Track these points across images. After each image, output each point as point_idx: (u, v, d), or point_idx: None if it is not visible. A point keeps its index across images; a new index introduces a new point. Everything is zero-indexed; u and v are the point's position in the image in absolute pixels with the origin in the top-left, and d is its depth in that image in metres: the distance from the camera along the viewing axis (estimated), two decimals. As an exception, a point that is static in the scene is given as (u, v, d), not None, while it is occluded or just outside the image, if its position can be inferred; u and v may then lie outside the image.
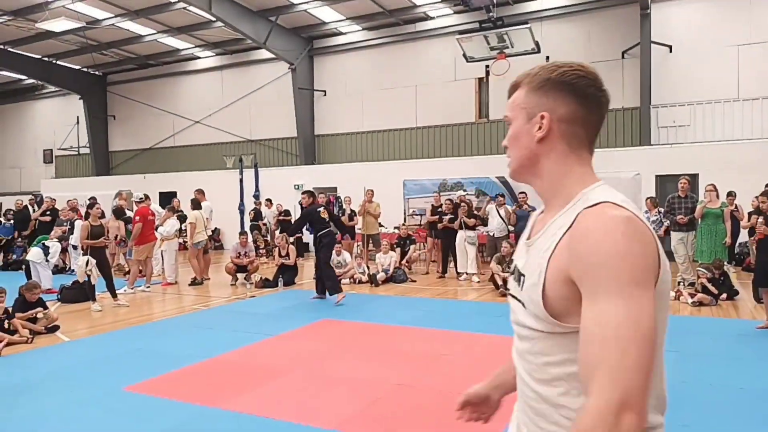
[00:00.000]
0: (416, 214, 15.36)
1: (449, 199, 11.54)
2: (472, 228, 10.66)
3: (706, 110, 13.48)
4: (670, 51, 13.64)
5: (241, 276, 10.39)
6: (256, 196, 17.55)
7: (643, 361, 0.96)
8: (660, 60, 13.65)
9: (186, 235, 10.92)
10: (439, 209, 11.28)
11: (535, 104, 1.21)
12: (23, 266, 10.53)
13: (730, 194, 9.97)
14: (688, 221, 8.70)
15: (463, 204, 11.04)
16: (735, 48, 13.12)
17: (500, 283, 9.06)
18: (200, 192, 11.45)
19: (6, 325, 6.22)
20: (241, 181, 17.60)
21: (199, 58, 20.09)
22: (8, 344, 5.96)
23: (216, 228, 17.65)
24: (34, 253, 9.97)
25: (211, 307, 8.38)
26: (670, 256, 9.85)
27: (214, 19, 15.26)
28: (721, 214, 8.48)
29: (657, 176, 12.93)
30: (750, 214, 8.92)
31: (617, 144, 14.16)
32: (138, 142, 21.84)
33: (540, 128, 1.19)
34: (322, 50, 18.08)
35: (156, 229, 10.25)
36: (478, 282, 10.22)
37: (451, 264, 11.15)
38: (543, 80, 1.21)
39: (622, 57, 14.15)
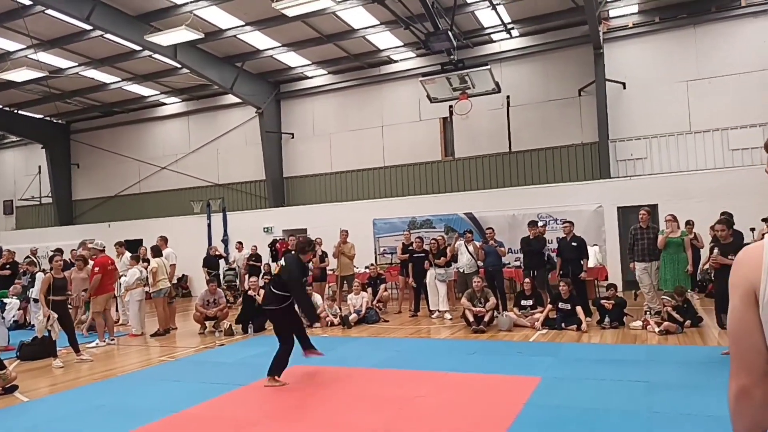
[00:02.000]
0: (387, 253, 15.39)
1: (419, 237, 11.63)
2: (443, 266, 10.72)
3: (661, 143, 14.04)
4: (624, 87, 14.25)
5: (210, 324, 10.16)
6: (225, 241, 17.38)
7: None
8: (615, 96, 14.23)
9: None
10: (410, 247, 11.33)
11: None
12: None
13: (689, 223, 10.29)
14: (649, 251, 8.94)
15: (432, 241, 11.13)
16: (684, 83, 13.79)
17: (471, 319, 9.09)
18: (162, 239, 11.29)
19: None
20: (209, 225, 17.44)
21: (165, 104, 20.09)
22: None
23: (184, 275, 17.36)
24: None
25: (177, 358, 8.15)
26: (635, 285, 10.08)
27: (179, 66, 15.35)
28: (682, 242, 8.74)
29: (618, 208, 13.30)
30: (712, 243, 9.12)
31: (578, 178, 14.57)
32: (103, 189, 21.48)
33: None
34: (289, 94, 18.31)
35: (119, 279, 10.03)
36: (451, 319, 10.22)
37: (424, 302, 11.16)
38: None
39: (579, 95, 14.70)
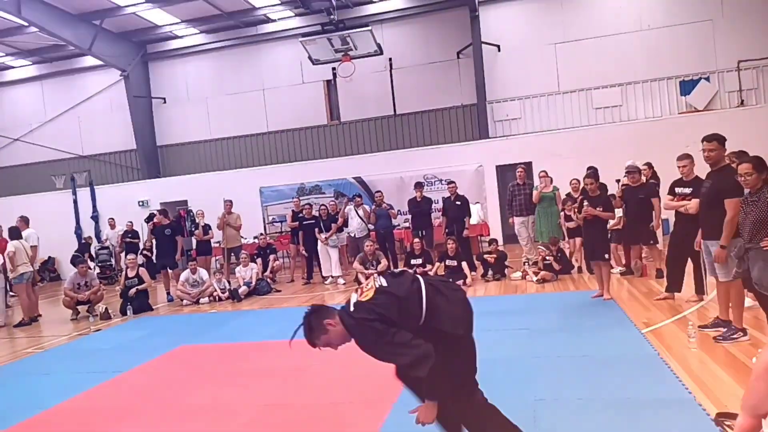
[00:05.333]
0: (276, 222, 15.00)
1: (309, 203, 11.40)
2: (333, 232, 10.64)
3: (533, 103, 14.83)
4: (499, 50, 14.79)
5: (83, 309, 9.33)
6: (95, 217, 16.00)
7: None
8: (491, 59, 14.73)
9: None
10: (300, 214, 11.10)
11: None
12: None
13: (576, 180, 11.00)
14: (526, 206, 9.50)
15: (323, 207, 10.99)
16: (552, 46, 14.57)
17: (364, 282, 9.14)
18: (22, 219, 10.11)
19: None
20: (75, 201, 15.91)
21: (12, 67, 17.76)
22: None
23: (50, 257, 15.80)
24: None
25: (47, 348, 7.40)
26: (514, 239, 10.70)
27: (26, 24, 13.55)
28: (554, 197, 9.36)
29: (497, 166, 13.94)
30: (568, 195, 9.46)
31: (460, 139, 15.05)
32: (-58, 166, 18.76)
33: None
34: (158, 55, 16.94)
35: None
36: (344, 284, 10.22)
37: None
38: None
39: (458, 57, 15.05)
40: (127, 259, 10.08)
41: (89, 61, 16.60)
